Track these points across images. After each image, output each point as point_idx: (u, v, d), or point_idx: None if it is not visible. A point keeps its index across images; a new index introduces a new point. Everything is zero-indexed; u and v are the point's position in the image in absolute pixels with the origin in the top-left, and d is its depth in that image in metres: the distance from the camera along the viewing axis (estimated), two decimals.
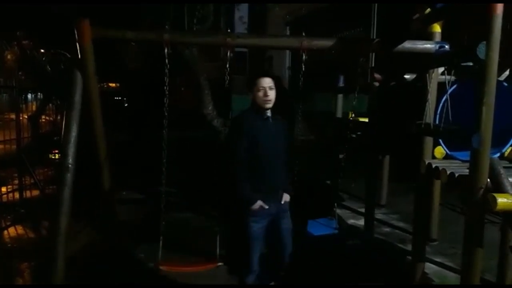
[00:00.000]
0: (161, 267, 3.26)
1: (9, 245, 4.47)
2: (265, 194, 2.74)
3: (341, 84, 6.31)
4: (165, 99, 3.17)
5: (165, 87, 3.15)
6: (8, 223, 5.02)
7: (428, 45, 3.07)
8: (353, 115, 5.81)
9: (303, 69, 3.12)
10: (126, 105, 12.39)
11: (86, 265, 3.74)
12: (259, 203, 2.70)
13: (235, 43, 3.10)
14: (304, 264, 2.67)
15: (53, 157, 7.08)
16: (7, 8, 7.41)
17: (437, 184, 3.99)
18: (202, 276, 3.42)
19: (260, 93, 2.65)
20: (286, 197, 2.86)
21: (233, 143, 2.72)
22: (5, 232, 4.80)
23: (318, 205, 4.95)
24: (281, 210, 2.82)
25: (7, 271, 3.79)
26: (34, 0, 7.35)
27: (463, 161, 2.87)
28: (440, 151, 3.13)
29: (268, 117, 2.75)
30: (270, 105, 2.68)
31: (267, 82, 2.65)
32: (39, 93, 7.44)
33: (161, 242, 3.29)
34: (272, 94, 2.66)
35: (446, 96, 2.78)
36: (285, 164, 2.86)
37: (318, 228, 3.96)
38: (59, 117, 7.39)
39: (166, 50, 3.03)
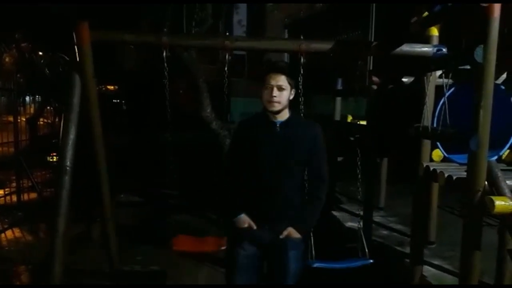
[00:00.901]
0: (174, 247, 3.16)
1: (6, 248, 4.45)
2: (256, 220, 2.21)
3: (339, 87, 6.33)
4: (163, 101, 3.16)
5: (163, 90, 3.15)
6: (6, 226, 5.00)
7: (426, 48, 3.07)
8: (351, 118, 5.84)
9: (302, 72, 3.12)
10: (124, 107, 12.39)
11: (84, 268, 3.74)
12: (243, 218, 2.18)
13: (233, 46, 3.10)
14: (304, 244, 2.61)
15: (51, 159, 7.07)
16: (5, 11, 7.42)
17: (435, 187, 4.00)
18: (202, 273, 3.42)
19: (266, 92, 2.17)
20: (291, 233, 2.18)
21: (227, 151, 2.42)
22: (3, 235, 4.78)
23: None
24: (277, 243, 2.17)
25: (5, 274, 3.77)
26: (32, 1, 7.36)
27: (461, 164, 2.88)
28: (438, 154, 3.13)
29: (272, 122, 2.19)
30: (275, 108, 2.16)
31: (277, 79, 2.15)
32: (37, 96, 7.44)
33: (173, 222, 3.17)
34: (280, 96, 2.15)
35: (444, 99, 2.78)
36: (297, 186, 2.24)
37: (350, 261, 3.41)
38: (57, 120, 7.39)
39: (164, 53, 3.03)
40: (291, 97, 2.21)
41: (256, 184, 2.19)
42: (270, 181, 2.17)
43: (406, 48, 3.08)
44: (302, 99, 3.10)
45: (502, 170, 2.47)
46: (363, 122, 4.94)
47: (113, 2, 6.85)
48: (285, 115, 2.22)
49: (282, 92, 2.16)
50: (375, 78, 4.28)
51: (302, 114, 3.06)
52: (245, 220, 2.19)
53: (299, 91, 3.13)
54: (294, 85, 2.21)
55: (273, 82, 2.15)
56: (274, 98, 2.14)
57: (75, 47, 2.98)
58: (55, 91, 6.77)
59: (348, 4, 8.03)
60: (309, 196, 2.25)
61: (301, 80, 3.14)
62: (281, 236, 2.17)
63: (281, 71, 2.17)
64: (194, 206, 5.66)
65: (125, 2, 6.83)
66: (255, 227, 2.18)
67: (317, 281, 3.52)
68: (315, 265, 2.64)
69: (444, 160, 3.12)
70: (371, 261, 3.04)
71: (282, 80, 2.16)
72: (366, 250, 3.07)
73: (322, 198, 2.25)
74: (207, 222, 5.03)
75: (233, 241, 2.25)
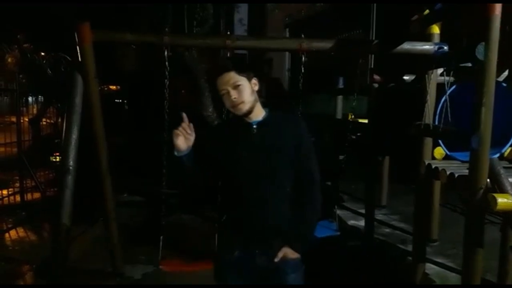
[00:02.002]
0: (161, 267, 3.24)
1: (10, 247, 4.48)
2: (244, 240, 1.85)
3: (340, 85, 6.34)
4: (165, 101, 3.18)
5: (165, 90, 3.16)
6: (10, 226, 5.03)
7: (427, 46, 3.08)
8: (352, 116, 5.84)
9: (303, 71, 3.13)
10: (126, 107, 12.40)
11: (86, 267, 3.75)
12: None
13: (234, 45, 3.11)
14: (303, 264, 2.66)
15: (54, 159, 7.09)
16: (8, 11, 7.44)
17: (437, 185, 4.00)
18: (201, 276, 3.42)
19: (224, 98, 1.84)
20: (287, 254, 1.84)
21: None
22: (6, 234, 4.81)
23: None
24: (273, 268, 1.84)
25: (9, 273, 3.79)
26: (34, 1, 7.38)
27: (463, 162, 2.88)
28: (439, 151, 3.13)
29: (247, 123, 1.86)
30: (244, 109, 1.82)
31: (226, 80, 1.81)
32: (39, 96, 7.46)
33: (161, 242, 3.27)
34: (240, 95, 1.80)
35: (445, 97, 2.78)
36: (287, 194, 1.87)
37: (319, 230, 3.66)
38: (60, 120, 7.41)
39: (166, 53, 3.04)
40: (256, 88, 1.86)
41: (238, 198, 1.85)
42: (254, 193, 1.82)
43: (407, 46, 3.08)
44: (303, 98, 3.11)
45: (504, 167, 2.47)
46: (365, 121, 4.95)
47: (114, 1, 6.86)
48: (259, 113, 1.88)
49: (240, 90, 1.80)
50: (376, 77, 4.29)
51: (299, 113, 3.01)
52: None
53: (300, 89, 3.14)
54: (250, 75, 1.85)
55: (224, 85, 1.82)
56: (235, 99, 1.80)
57: (77, 47, 3.00)
58: (58, 92, 6.78)
59: (349, 3, 8.03)
60: (302, 206, 1.88)
61: (302, 79, 3.15)
62: (276, 259, 1.83)
63: (226, 69, 1.83)
64: (195, 205, 5.68)
65: (126, 1, 6.84)
66: (190, 130, 1.78)
67: (318, 281, 3.54)
68: None
69: (446, 158, 3.12)
70: (338, 233, 3.13)
71: (233, 77, 1.81)
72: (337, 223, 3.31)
73: (317, 206, 1.92)
74: (208, 221, 5.04)
75: (220, 269, 1.95)
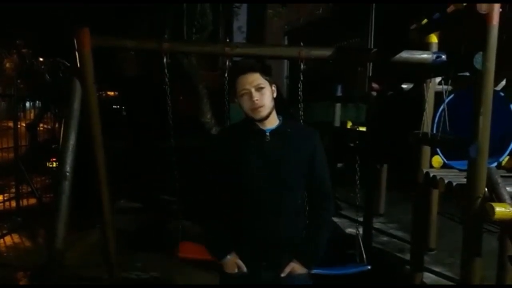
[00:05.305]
0: (180, 254, 3.10)
1: (5, 254, 4.44)
2: (251, 252, 1.79)
3: (339, 93, 6.36)
4: (163, 107, 3.17)
5: (163, 96, 3.15)
6: (5, 232, 4.99)
7: (425, 55, 3.09)
8: (351, 124, 5.86)
9: (301, 78, 3.13)
10: (124, 113, 12.40)
11: (82, 274, 3.72)
12: (231, 261, 1.79)
13: (233, 53, 3.11)
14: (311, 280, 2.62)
15: (51, 165, 7.07)
16: (6, 16, 7.46)
17: (435, 193, 4.00)
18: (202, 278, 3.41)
19: (244, 99, 1.76)
20: (295, 269, 1.79)
21: (205, 175, 1.89)
22: (2, 240, 4.77)
23: None
24: (281, 280, 1.79)
25: (4, 280, 3.75)
26: (32, 4, 7.38)
27: (461, 170, 2.88)
28: (437, 160, 3.14)
29: (260, 130, 1.78)
30: (263, 114, 1.74)
31: (251, 80, 1.74)
32: (37, 101, 7.45)
33: (180, 227, 3.05)
34: (262, 98, 1.74)
35: (444, 106, 2.79)
36: (298, 206, 1.83)
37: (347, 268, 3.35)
38: (57, 125, 7.39)
39: (165, 59, 3.04)
40: (275, 95, 1.81)
41: (247, 209, 1.77)
42: (264, 204, 1.74)
43: (405, 54, 3.09)
44: (302, 106, 3.11)
45: (502, 176, 2.47)
46: (363, 129, 4.95)
47: (114, 2, 6.86)
48: (274, 120, 1.81)
49: (262, 92, 1.75)
50: (374, 85, 4.30)
51: (301, 121, 2.96)
52: (233, 263, 1.79)
53: (299, 97, 3.13)
54: (271, 80, 1.81)
55: (248, 85, 1.74)
56: (256, 102, 1.73)
57: (76, 53, 2.99)
58: (55, 97, 6.78)
59: (348, 10, 8.09)
60: (313, 220, 1.83)
61: (301, 87, 3.15)
62: (282, 274, 1.77)
63: (253, 70, 1.76)
64: (194, 212, 5.65)
65: (126, 3, 6.85)
66: (245, 269, 1.78)
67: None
68: (314, 271, 2.60)
69: (444, 166, 3.12)
70: (369, 267, 2.99)
71: (258, 79, 1.75)
72: (364, 257, 3.02)
73: (329, 220, 1.86)
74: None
75: (225, 281, 1.89)
